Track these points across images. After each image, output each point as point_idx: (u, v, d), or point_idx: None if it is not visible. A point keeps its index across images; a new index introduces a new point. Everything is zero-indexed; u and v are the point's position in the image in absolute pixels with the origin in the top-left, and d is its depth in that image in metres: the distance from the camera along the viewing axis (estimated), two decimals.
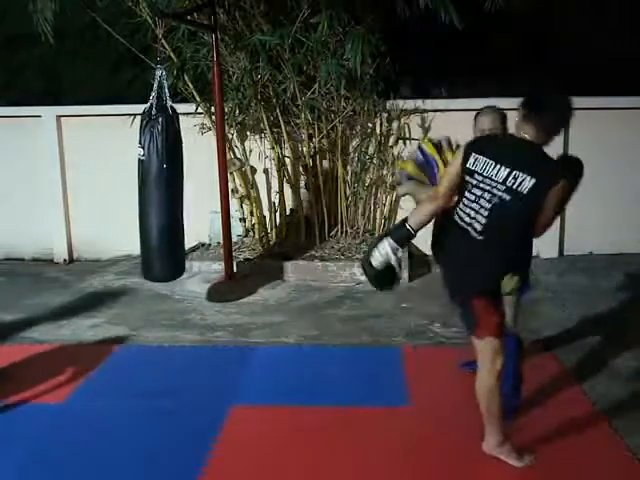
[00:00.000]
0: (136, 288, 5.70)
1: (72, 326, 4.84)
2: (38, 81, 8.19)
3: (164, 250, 4.68)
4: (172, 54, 5.99)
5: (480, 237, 2.61)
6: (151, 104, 4.51)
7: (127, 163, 6.03)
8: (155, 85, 4.53)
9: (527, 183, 2.47)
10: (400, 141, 6.36)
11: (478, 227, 2.61)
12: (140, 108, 4.65)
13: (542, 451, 3.00)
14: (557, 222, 6.02)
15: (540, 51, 7.81)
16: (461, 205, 2.69)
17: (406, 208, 5.55)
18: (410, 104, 6.25)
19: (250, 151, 6.48)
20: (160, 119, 4.49)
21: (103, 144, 6.53)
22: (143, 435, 3.25)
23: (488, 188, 2.56)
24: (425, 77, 6.77)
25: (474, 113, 3.56)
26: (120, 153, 6.32)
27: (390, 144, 6.38)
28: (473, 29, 5.70)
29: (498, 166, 2.53)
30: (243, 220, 6.57)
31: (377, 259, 2.78)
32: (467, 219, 2.66)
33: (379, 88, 6.15)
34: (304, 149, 6.38)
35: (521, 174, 2.48)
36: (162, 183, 4.56)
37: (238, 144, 6.47)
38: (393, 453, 3.03)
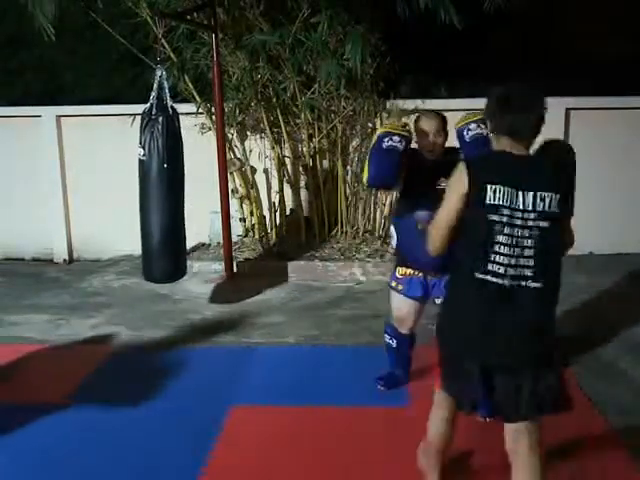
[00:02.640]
0: (136, 288, 5.70)
1: (72, 326, 4.84)
2: (38, 81, 8.18)
3: (165, 251, 4.68)
4: (172, 54, 5.99)
5: (537, 284, 2.17)
6: (151, 104, 4.51)
7: (127, 163, 6.02)
8: (155, 85, 4.53)
9: (554, 202, 2.14)
10: None
11: (528, 272, 2.17)
12: (140, 108, 4.65)
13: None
14: None
15: (540, 51, 7.80)
16: (491, 256, 2.18)
17: None
18: (410, 104, 6.25)
19: (250, 151, 6.48)
20: (160, 119, 4.49)
21: (103, 144, 6.53)
22: (143, 435, 3.25)
23: (520, 222, 2.13)
24: (425, 77, 6.75)
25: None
26: (120, 153, 6.32)
27: None
28: (473, 29, 5.70)
29: (521, 192, 2.13)
30: (243, 220, 6.57)
31: None
32: (510, 270, 2.17)
33: (379, 88, 6.16)
34: (304, 149, 6.38)
35: (545, 194, 2.13)
36: (163, 183, 4.56)
37: (238, 144, 6.47)
38: (393, 453, 3.03)
